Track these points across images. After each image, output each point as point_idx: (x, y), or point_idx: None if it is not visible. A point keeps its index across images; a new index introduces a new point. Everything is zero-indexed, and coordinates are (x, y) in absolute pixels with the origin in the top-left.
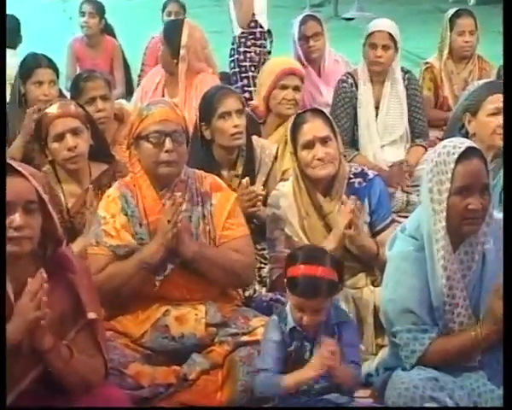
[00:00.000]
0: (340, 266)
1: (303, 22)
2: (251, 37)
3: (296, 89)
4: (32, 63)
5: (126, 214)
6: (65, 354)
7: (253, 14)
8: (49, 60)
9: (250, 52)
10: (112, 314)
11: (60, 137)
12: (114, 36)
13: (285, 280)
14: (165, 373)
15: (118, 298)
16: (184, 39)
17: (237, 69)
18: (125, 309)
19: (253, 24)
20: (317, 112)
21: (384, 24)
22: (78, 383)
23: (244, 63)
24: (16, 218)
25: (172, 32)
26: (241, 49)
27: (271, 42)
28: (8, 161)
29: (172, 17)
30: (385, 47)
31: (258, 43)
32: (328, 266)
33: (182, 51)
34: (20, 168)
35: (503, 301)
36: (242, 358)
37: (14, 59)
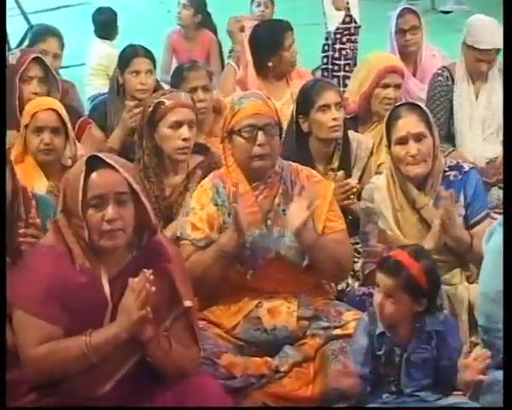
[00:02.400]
0: (435, 283)
1: (400, 15)
2: (346, 33)
3: (397, 87)
4: (130, 53)
5: (216, 204)
6: (164, 344)
7: (348, 9)
8: (147, 50)
9: (345, 49)
10: (205, 304)
11: (177, 125)
12: (216, 33)
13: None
14: (258, 364)
15: (201, 287)
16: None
17: (330, 66)
18: (217, 300)
19: (347, 19)
20: (413, 107)
21: (487, 28)
22: (174, 373)
23: (339, 61)
24: (109, 210)
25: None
26: (337, 47)
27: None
28: (98, 153)
29: (262, 8)
30: None
31: (353, 38)
32: (423, 269)
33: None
34: (109, 160)
35: (504, 301)
36: (334, 351)
37: (110, 50)
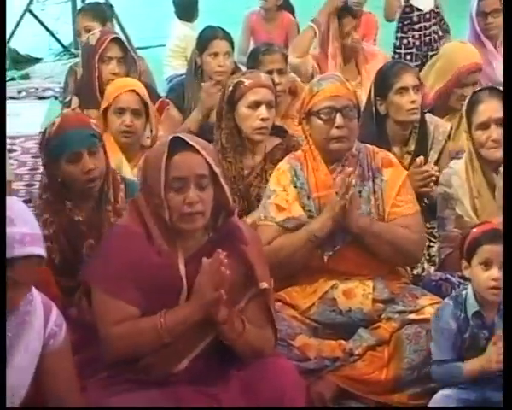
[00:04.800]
0: None
1: None
2: (407, 22)
3: (475, 84)
4: (209, 35)
5: (296, 187)
6: (238, 326)
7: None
8: (225, 32)
9: (407, 38)
10: (280, 286)
11: (255, 105)
12: (293, 14)
13: (463, 261)
14: (332, 347)
15: (285, 270)
16: None
17: (392, 54)
18: (294, 281)
19: (407, 9)
20: (494, 91)
21: None
22: (249, 353)
23: (398, 50)
24: (190, 193)
25: None
26: (398, 35)
27: (442, 21)
28: (181, 134)
29: None
30: None
31: (417, 27)
32: None
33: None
34: (191, 142)
35: (503, 300)
36: (409, 336)
37: (190, 32)
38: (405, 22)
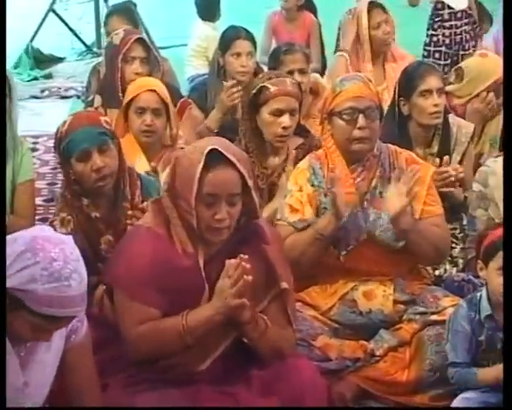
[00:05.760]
0: None
1: None
2: (437, 19)
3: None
4: (232, 35)
5: (313, 185)
6: (261, 325)
7: None
8: (248, 32)
9: (436, 35)
10: (301, 286)
11: (279, 113)
12: (315, 14)
13: (479, 262)
14: (353, 347)
15: (298, 269)
16: None
17: (423, 51)
18: (314, 281)
19: (439, 6)
20: None
21: None
22: (270, 353)
23: (428, 47)
24: (221, 211)
25: None
26: (429, 32)
27: (475, 23)
28: (218, 147)
29: None
30: None
31: (447, 25)
32: None
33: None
34: (228, 155)
35: (504, 301)
36: (431, 337)
37: (212, 32)
38: (436, 19)
